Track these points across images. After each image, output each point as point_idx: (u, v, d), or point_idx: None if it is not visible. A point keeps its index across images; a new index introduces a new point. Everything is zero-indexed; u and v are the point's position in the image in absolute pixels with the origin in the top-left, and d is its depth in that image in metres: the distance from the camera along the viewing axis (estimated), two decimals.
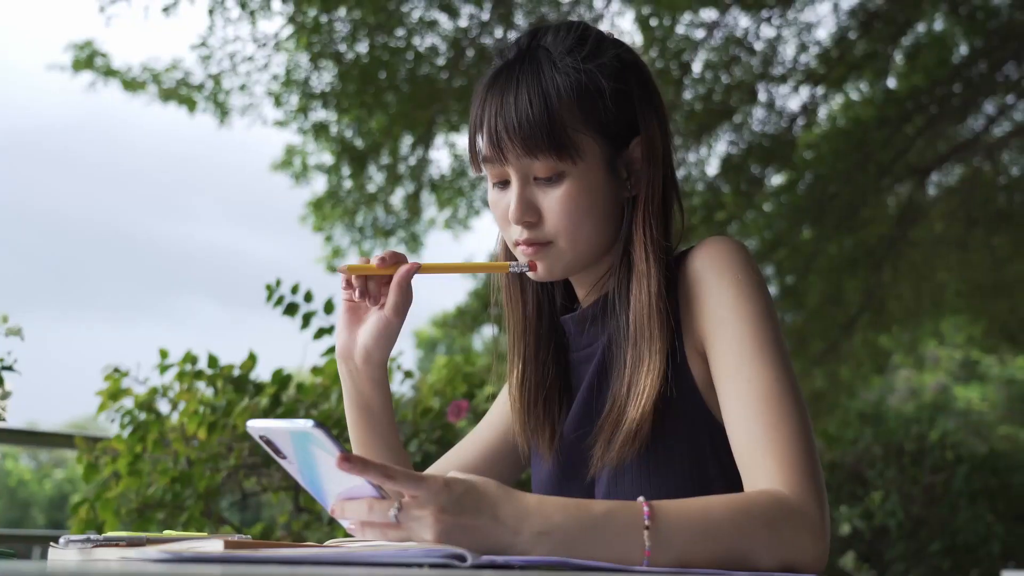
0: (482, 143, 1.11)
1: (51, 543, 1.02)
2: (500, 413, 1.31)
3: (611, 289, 1.14)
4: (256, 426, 0.88)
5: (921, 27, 7.21)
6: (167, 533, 1.09)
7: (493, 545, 0.84)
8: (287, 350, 2.88)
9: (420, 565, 0.76)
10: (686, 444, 1.08)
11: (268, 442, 0.90)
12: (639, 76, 1.14)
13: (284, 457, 0.91)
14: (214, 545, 0.88)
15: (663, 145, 1.14)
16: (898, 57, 7.40)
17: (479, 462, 1.29)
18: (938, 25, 7.25)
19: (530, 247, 1.11)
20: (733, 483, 1.03)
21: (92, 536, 0.98)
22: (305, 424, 0.82)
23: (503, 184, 1.12)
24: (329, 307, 2.71)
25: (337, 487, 0.90)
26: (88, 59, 6.05)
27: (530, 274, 1.13)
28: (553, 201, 1.08)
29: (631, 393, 1.07)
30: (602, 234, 1.12)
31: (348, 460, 0.81)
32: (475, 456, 1.31)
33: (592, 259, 1.14)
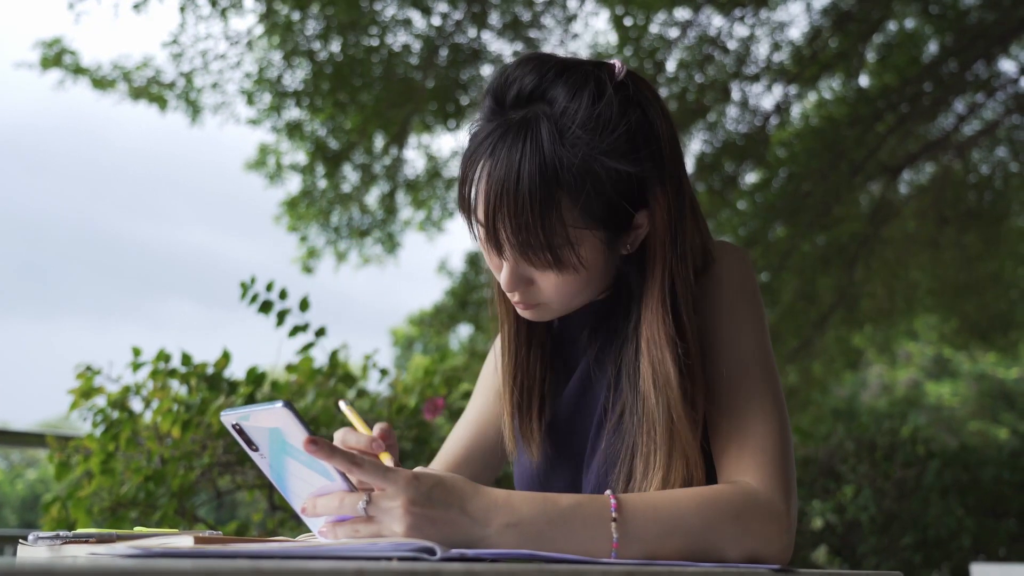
0: (477, 216, 1.03)
1: (20, 540, 1.02)
2: (475, 410, 1.32)
3: (610, 308, 1.13)
4: (229, 414, 0.88)
5: (892, 26, 7.29)
6: (138, 530, 1.08)
7: (462, 538, 0.85)
8: (267, 351, 2.87)
9: (389, 558, 0.77)
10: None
11: (240, 431, 0.90)
12: (652, 133, 1.03)
13: (256, 449, 0.91)
14: (184, 541, 0.88)
15: (676, 197, 1.05)
16: (870, 56, 7.47)
17: (459, 460, 1.30)
18: (909, 24, 7.33)
19: (522, 305, 1.09)
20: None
21: (62, 533, 0.98)
22: (274, 404, 0.83)
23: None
24: (304, 305, 2.70)
25: (308, 487, 0.90)
26: (57, 57, 5.99)
27: (525, 315, 1.12)
28: (547, 280, 1.05)
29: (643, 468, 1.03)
30: (597, 290, 1.11)
31: (315, 443, 0.81)
32: (455, 456, 1.31)
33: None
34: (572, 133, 0.98)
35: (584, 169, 0.98)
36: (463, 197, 1.04)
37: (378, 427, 1.04)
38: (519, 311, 1.11)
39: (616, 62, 1.06)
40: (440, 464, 1.31)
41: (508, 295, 1.10)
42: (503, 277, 1.05)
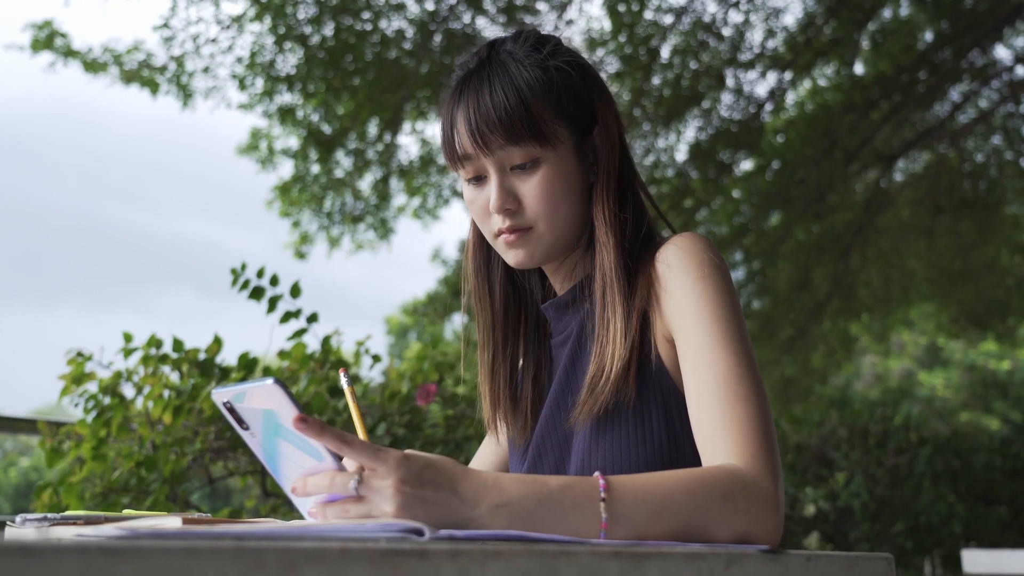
0: (461, 141, 1.16)
1: (8, 522, 1.01)
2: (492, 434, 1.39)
3: (585, 274, 1.23)
4: (221, 392, 0.87)
5: (887, 13, 7.28)
6: (126, 512, 1.08)
7: (452, 518, 0.84)
8: (263, 338, 2.85)
9: (376, 540, 0.76)
10: (656, 415, 1.12)
11: (231, 410, 0.89)
12: (591, 72, 1.23)
13: (247, 428, 0.90)
14: (172, 523, 0.87)
15: (617, 133, 1.22)
16: (864, 43, 7.46)
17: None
18: (904, 11, 7.32)
19: (512, 234, 1.17)
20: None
21: (49, 515, 0.97)
22: (265, 381, 0.82)
23: (478, 180, 1.18)
24: (295, 291, 2.69)
25: (299, 469, 0.89)
26: (47, 39, 5.94)
27: (513, 258, 1.19)
28: (531, 187, 1.15)
29: (604, 351, 1.14)
30: (576, 216, 1.19)
31: (304, 421, 0.81)
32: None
33: (569, 243, 1.21)
34: (523, 53, 1.17)
35: (540, 71, 1.16)
36: (450, 143, 1.18)
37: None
38: (507, 248, 1.18)
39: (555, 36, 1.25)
40: None
41: (494, 234, 1.19)
42: (493, 198, 1.15)
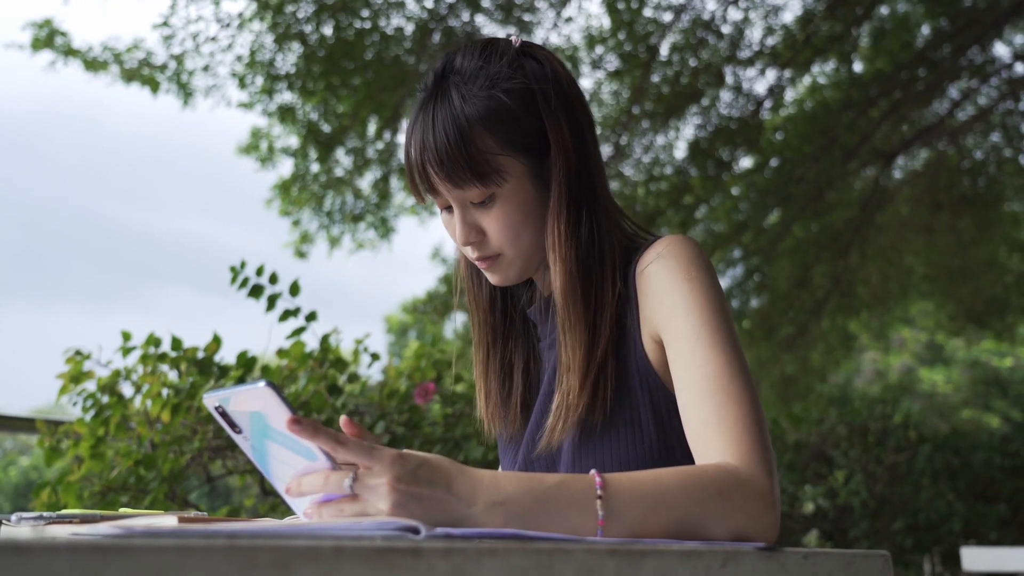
0: (419, 181, 1.19)
1: (3, 521, 1.01)
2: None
3: None
4: (212, 396, 0.87)
5: (885, 10, 7.27)
6: (123, 511, 1.08)
7: (448, 516, 0.84)
8: (263, 337, 2.85)
9: (371, 538, 0.76)
10: (646, 416, 1.13)
11: (223, 414, 0.89)
12: (545, 85, 1.19)
13: (239, 431, 0.90)
14: (168, 521, 0.87)
15: (573, 150, 1.19)
16: (863, 40, 7.45)
17: None
18: (902, 8, 7.31)
19: (483, 261, 1.22)
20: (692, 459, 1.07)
21: (45, 514, 0.97)
22: (257, 384, 0.82)
23: (450, 208, 1.21)
24: (294, 289, 2.69)
25: (291, 471, 0.89)
26: (47, 38, 5.93)
27: (491, 279, 1.24)
28: (491, 221, 1.18)
29: (562, 382, 1.17)
30: (542, 236, 1.21)
31: (298, 423, 0.81)
32: None
33: (541, 260, 1.23)
34: (469, 78, 1.16)
35: (484, 101, 1.14)
36: (412, 178, 1.20)
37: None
38: (484, 271, 1.23)
39: (512, 36, 1.24)
40: None
41: (468, 256, 1.23)
42: (458, 234, 1.19)
